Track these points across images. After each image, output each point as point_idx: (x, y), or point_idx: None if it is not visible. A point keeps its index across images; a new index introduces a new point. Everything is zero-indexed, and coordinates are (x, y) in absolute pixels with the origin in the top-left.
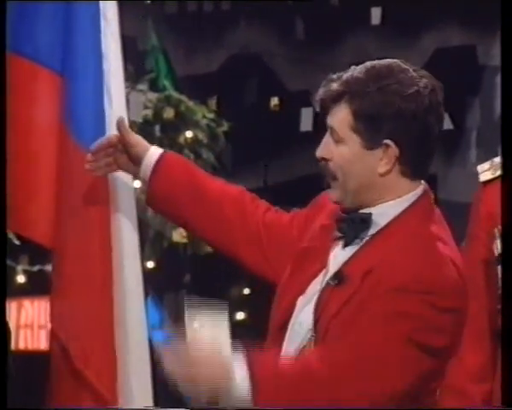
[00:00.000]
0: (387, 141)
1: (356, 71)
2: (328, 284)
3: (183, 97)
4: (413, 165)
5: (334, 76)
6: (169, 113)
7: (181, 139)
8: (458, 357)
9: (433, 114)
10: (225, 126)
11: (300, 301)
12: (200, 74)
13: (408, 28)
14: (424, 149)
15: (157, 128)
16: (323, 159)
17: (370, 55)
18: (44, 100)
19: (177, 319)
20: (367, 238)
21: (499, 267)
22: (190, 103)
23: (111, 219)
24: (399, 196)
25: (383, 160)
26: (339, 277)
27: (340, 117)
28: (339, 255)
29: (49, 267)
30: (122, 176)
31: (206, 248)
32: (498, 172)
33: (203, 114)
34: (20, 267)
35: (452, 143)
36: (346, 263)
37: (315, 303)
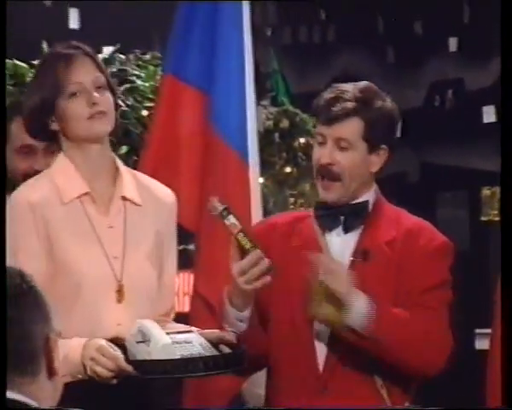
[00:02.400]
0: (383, 146)
1: (357, 91)
2: (352, 261)
3: (298, 111)
4: (383, 168)
5: (334, 93)
6: (285, 123)
7: (295, 144)
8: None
9: None
10: None
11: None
12: (310, 92)
13: (480, 54)
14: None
15: (276, 136)
16: (329, 164)
17: (448, 76)
18: (189, 113)
19: None
20: (365, 221)
21: None
22: (303, 115)
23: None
24: (371, 188)
25: (378, 161)
26: (363, 253)
27: (352, 128)
28: (339, 240)
29: (191, 247)
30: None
31: None
32: None
33: (313, 123)
34: None
35: None
36: (360, 242)
37: None
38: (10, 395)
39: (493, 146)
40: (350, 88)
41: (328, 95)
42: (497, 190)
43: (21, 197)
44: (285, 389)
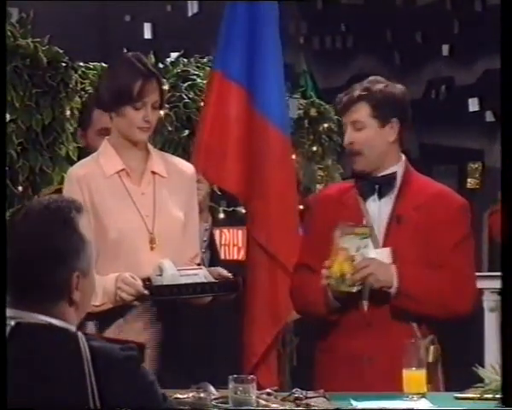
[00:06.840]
0: (393, 119)
1: (365, 82)
2: (388, 224)
3: (322, 102)
4: (401, 138)
5: (348, 90)
6: (313, 112)
7: (320, 128)
8: None
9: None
10: None
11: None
12: (333, 87)
13: (467, 57)
14: (406, 125)
15: (306, 122)
16: (351, 144)
17: (442, 75)
18: (234, 101)
19: None
20: (396, 189)
21: None
22: (327, 106)
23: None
24: (398, 161)
25: (392, 131)
26: (397, 218)
27: (360, 111)
28: (376, 206)
29: (239, 208)
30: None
31: None
32: None
33: (334, 112)
34: (221, 208)
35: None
36: (394, 208)
37: (383, 240)
38: (42, 318)
39: (477, 129)
40: (360, 83)
41: (343, 92)
42: (480, 164)
43: (72, 173)
44: (334, 325)
